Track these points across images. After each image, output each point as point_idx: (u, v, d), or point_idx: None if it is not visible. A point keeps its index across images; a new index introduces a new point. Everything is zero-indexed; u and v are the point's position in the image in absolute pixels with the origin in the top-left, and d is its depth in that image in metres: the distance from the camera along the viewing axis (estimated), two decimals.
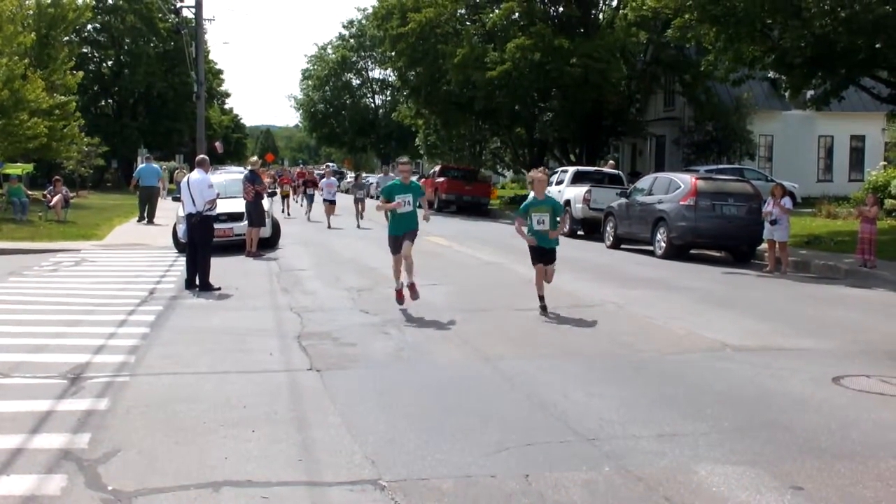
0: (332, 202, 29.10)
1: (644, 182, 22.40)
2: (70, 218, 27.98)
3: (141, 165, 31.72)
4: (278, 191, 35.94)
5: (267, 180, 27.85)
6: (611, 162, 31.50)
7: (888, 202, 25.92)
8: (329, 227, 27.56)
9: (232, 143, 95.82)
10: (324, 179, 31.08)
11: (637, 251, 20.71)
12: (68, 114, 35.75)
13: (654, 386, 7.80)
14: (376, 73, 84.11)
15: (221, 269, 15.28)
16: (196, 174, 14.62)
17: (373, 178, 48.37)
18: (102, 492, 5.21)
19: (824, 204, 30.30)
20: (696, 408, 7.05)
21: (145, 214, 28.96)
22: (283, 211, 32.57)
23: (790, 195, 18.30)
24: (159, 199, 30.27)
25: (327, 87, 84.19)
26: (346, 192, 54.50)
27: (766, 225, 17.14)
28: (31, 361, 8.62)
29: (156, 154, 45.59)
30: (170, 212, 25.26)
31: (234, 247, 19.21)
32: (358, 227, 27.58)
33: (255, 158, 23.35)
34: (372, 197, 35.86)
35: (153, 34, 63.26)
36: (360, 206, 29.06)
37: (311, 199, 33.36)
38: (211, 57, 71.08)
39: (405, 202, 11.93)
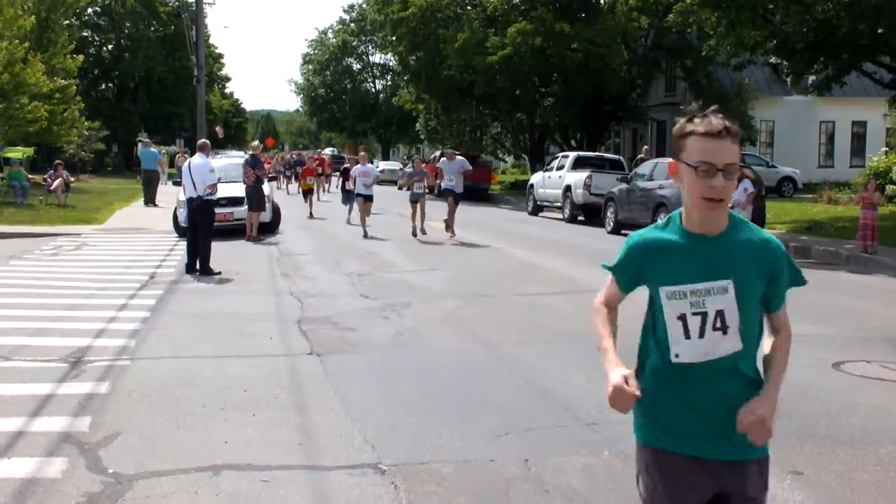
0: (369, 198, 20.96)
1: (645, 167, 22.37)
2: (70, 202, 27.94)
3: (141, 149, 31.99)
4: (298, 185, 31.55)
5: (267, 165, 27.84)
6: (645, 147, 30.55)
7: (889, 188, 25.88)
8: (365, 236, 19.87)
9: (232, 127, 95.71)
10: (358, 166, 21.91)
11: None
12: (68, 98, 35.66)
13: None
14: (377, 58, 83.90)
15: (222, 253, 15.27)
16: (197, 158, 14.61)
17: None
18: (103, 475, 5.22)
19: (825, 190, 30.30)
20: None
21: (154, 196, 29.65)
22: (309, 215, 25.54)
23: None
24: (159, 183, 30.66)
25: (328, 72, 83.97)
26: (395, 184, 42.01)
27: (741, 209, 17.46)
28: (32, 345, 8.62)
29: (156, 138, 45.72)
30: (171, 196, 25.25)
31: (235, 231, 19.20)
32: (414, 234, 19.63)
33: (256, 143, 23.27)
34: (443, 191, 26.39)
35: (153, 18, 63.13)
36: (418, 207, 19.83)
37: (350, 196, 23.42)
38: (211, 41, 70.94)
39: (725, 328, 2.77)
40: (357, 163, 22.60)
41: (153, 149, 33.17)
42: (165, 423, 6.22)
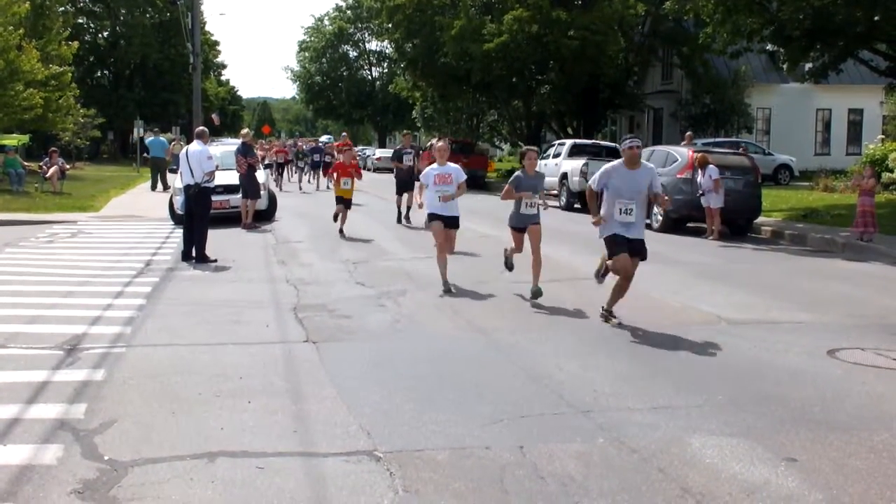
0: (452, 222, 11.79)
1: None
2: (66, 189, 27.93)
3: (150, 139, 33.23)
4: (332, 187, 21.23)
5: (259, 152, 27.73)
6: (688, 134, 28.44)
7: (885, 176, 25.89)
8: (447, 288, 10.98)
9: (228, 115, 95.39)
10: (433, 166, 12.12)
11: None
12: (64, 85, 35.60)
13: (648, 359, 7.82)
14: (373, 45, 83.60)
15: (218, 241, 15.25)
16: (195, 146, 14.56)
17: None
18: (98, 462, 5.22)
19: (821, 177, 30.33)
20: (690, 380, 7.08)
21: (158, 183, 30.58)
22: (340, 232, 17.53)
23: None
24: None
25: (324, 59, 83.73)
26: (393, 172, 28.25)
27: (711, 195, 17.95)
28: (28, 332, 8.62)
29: (152, 126, 45.83)
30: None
31: (231, 219, 19.17)
32: (509, 267, 11.62)
33: (246, 130, 22.99)
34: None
35: (149, 4, 62.90)
36: (527, 240, 10.97)
37: (405, 186, 17.65)
38: (207, 28, 70.85)
39: None
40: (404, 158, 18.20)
41: (161, 137, 34.15)
42: (161, 410, 6.22)
